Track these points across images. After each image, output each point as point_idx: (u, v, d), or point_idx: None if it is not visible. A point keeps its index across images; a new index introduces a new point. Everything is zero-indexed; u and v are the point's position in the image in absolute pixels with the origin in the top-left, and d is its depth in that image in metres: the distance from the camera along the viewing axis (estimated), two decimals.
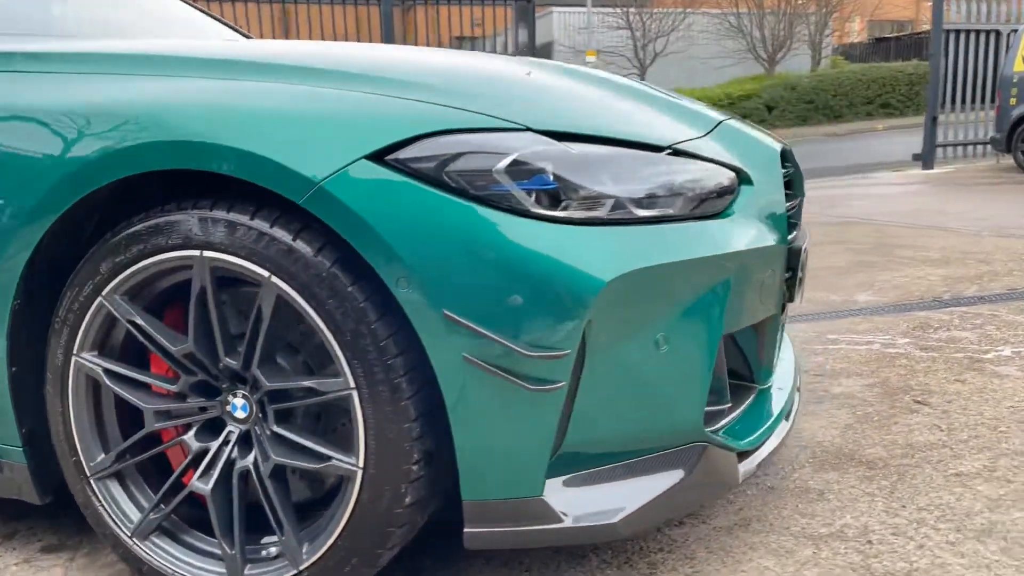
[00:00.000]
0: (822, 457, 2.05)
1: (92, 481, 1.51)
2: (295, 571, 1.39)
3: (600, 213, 1.34)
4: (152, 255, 1.39)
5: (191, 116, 1.35)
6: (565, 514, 1.34)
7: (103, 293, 1.42)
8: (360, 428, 1.32)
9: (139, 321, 1.43)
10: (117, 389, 1.46)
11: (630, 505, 1.37)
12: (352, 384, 1.31)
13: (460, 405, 1.29)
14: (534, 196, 1.30)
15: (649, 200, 1.41)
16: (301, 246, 1.30)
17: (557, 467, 1.35)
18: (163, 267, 1.39)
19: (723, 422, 1.60)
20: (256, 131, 1.31)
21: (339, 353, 1.31)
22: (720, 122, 1.70)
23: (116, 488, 1.51)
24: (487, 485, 1.33)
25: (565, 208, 1.32)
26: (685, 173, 1.47)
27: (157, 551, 1.48)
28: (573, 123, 1.41)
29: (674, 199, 1.44)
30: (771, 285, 1.62)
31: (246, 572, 1.43)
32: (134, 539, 1.49)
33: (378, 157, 1.28)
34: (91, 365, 1.46)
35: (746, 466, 1.55)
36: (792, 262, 1.74)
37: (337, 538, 1.36)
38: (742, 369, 1.78)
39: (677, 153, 1.49)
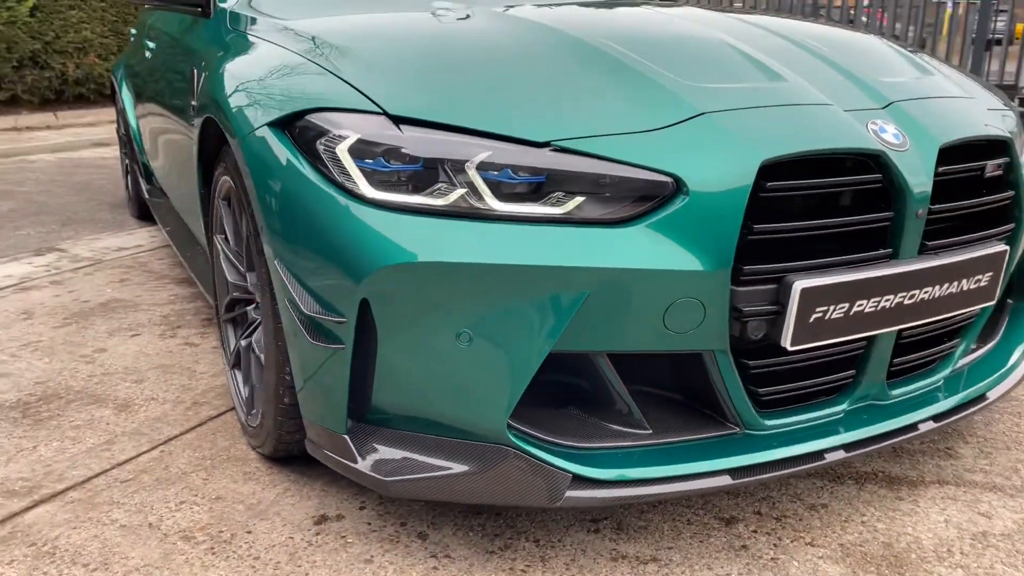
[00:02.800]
0: (866, 550, 1.61)
1: (221, 322, 2.19)
2: (259, 420, 1.87)
3: (432, 200, 1.40)
4: (223, 176, 1.93)
5: (220, 76, 1.83)
6: (361, 457, 1.52)
7: (215, 197, 2.03)
8: (263, 336, 1.70)
9: (225, 221, 2.01)
10: (223, 264, 2.08)
11: (406, 474, 1.48)
12: (258, 301, 1.69)
13: (289, 340, 1.57)
14: (372, 177, 1.43)
15: (503, 196, 1.39)
16: (250, 186, 1.69)
17: (372, 418, 1.53)
18: (227, 184, 1.93)
19: (600, 445, 1.50)
20: (235, 90, 1.71)
21: (257, 276, 1.69)
22: (698, 115, 1.44)
23: (230, 331, 2.17)
24: (311, 410, 1.59)
25: (396, 191, 1.42)
26: (559, 170, 1.38)
27: (233, 378, 2.11)
28: (437, 108, 1.45)
29: (540, 198, 1.39)
30: (690, 315, 1.40)
31: (250, 412, 1.96)
32: (228, 366, 2.15)
33: (275, 125, 1.57)
34: (218, 245, 2.11)
35: (585, 493, 1.45)
36: (781, 297, 1.43)
37: (263, 410, 1.80)
38: (731, 405, 1.55)
39: (564, 151, 1.39)
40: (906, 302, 1.54)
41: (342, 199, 1.43)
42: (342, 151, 1.45)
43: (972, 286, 1.63)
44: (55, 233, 4.25)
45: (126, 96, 4.22)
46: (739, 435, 1.56)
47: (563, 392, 1.56)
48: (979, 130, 1.66)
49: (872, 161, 1.50)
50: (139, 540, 1.64)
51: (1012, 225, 1.73)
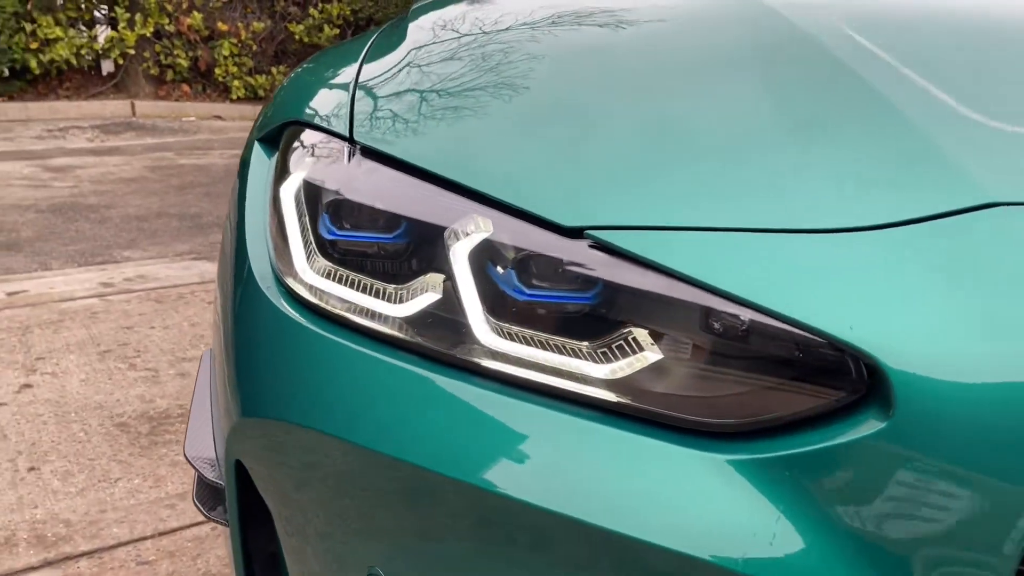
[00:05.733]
0: None
1: None
2: None
3: (381, 307, 0.73)
4: None
5: None
6: None
7: None
8: None
9: None
10: None
11: None
12: None
13: None
14: (314, 246, 0.82)
15: (507, 316, 0.69)
16: None
17: None
18: None
19: None
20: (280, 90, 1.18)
21: None
22: (979, 207, 0.57)
23: None
24: None
25: (335, 277, 0.79)
26: (616, 286, 0.64)
27: None
28: (425, 143, 0.77)
29: (574, 338, 0.67)
30: None
31: None
32: None
33: (263, 140, 1.02)
34: None
35: None
36: None
37: None
38: None
39: (610, 251, 0.64)
40: None
41: (262, 277, 0.83)
42: (286, 197, 0.85)
43: None
44: None
45: None
46: None
47: None
48: None
49: None
50: None
51: None
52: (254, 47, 7.35)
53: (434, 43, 0.97)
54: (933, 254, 0.55)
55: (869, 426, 0.53)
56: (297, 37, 7.48)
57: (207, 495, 0.91)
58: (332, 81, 1.00)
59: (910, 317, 0.53)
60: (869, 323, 0.54)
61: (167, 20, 6.97)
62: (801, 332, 0.55)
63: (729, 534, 0.55)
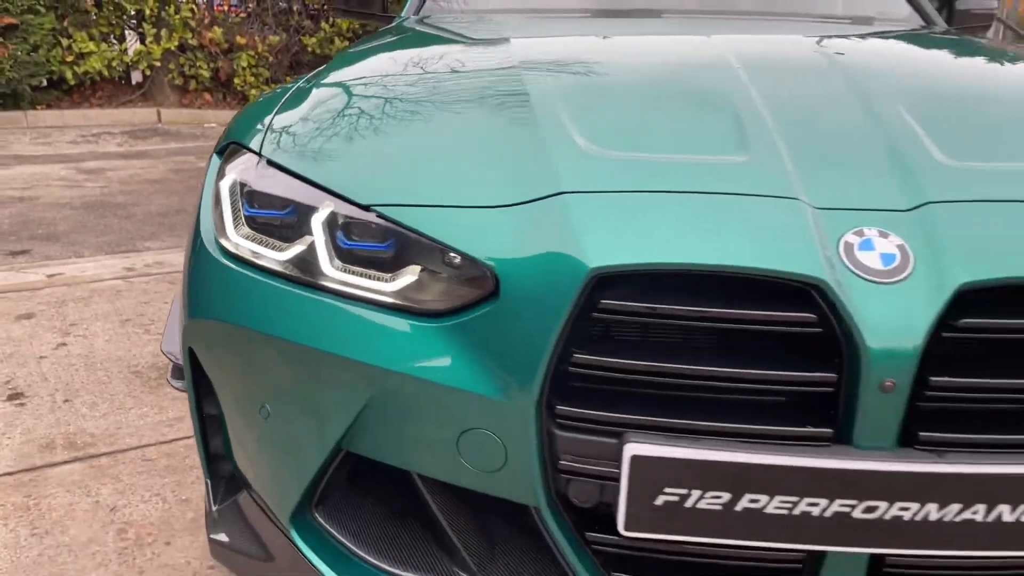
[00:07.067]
0: None
1: None
2: None
3: (273, 254, 1.26)
4: None
5: None
6: (214, 504, 1.45)
7: None
8: None
9: None
10: None
11: (234, 544, 1.37)
12: None
13: None
14: (238, 221, 1.34)
15: (343, 258, 1.20)
16: None
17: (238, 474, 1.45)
18: None
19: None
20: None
21: None
22: (554, 195, 1.08)
23: None
24: None
25: (253, 240, 1.31)
26: (408, 240, 1.15)
27: None
28: (300, 154, 1.29)
29: (377, 269, 1.18)
30: (488, 452, 1.09)
31: None
32: None
33: (218, 152, 1.54)
34: None
35: None
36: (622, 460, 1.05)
37: None
38: None
39: (385, 219, 1.16)
40: (862, 515, 0.98)
41: (207, 237, 1.36)
42: (224, 189, 1.38)
43: None
44: None
45: None
46: None
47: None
48: None
49: (816, 292, 0.98)
50: (90, 520, 1.78)
51: None
52: (270, 59, 7.94)
53: (323, 90, 1.50)
54: (529, 217, 1.06)
55: (492, 304, 1.04)
56: (310, 49, 8.06)
57: (176, 374, 1.44)
58: (260, 116, 1.52)
59: (511, 247, 1.04)
60: (495, 252, 1.04)
61: (190, 35, 7.59)
62: (470, 259, 1.07)
63: (432, 364, 1.07)
